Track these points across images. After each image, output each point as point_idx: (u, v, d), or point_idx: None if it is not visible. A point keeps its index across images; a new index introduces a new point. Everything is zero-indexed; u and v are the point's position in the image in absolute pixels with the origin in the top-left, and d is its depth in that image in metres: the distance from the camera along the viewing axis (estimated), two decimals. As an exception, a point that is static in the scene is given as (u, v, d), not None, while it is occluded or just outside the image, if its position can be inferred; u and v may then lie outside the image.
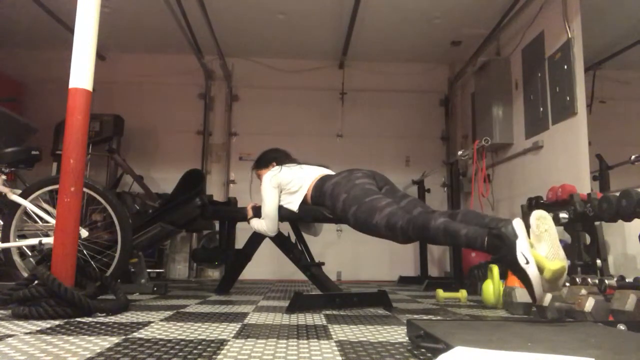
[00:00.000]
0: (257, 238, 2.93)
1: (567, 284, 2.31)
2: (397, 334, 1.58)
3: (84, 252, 2.51)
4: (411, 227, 1.94)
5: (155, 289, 3.06)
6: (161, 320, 1.82)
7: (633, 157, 3.24)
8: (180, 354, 1.21)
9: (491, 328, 1.39)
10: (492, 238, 1.67)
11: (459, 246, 1.77)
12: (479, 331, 1.32)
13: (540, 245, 1.63)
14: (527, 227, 1.66)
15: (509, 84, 4.45)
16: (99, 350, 1.23)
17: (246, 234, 3.00)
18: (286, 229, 2.80)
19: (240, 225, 3.45)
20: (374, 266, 5.38)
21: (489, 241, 1.68)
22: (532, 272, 1.57)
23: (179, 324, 1.74)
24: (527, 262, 1.58)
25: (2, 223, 2.55)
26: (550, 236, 1.64)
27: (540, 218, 1.67)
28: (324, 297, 2.53)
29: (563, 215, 2.84)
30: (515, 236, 1.61)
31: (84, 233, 2.33)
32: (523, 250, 1.59)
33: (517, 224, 1.65)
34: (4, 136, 3.38)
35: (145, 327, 1.63)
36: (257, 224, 2.66)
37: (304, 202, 2.53)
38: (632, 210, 2.26)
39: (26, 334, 1.49)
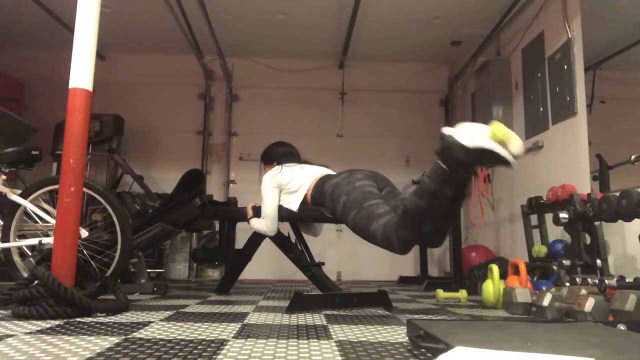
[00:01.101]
0: (257, 238, 2.93)
1: (567, 284, 2.31)
2: (397, 334, 1.58)
3: (84, 252, 2.51)
4: (400, 226, 1.89)
5: (155, 289, 3.06)
6: (161, 320, 1.82)
7: (633, 157, 3.24)
8: (180, 354, 1.21)
9: (491, 328, 1.39)
10: (442, 154, 1.70)
11: (435, 193, 1.66)
12: (479, 331, 1.32)
13: (476, 130, 1.64)
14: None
15: (509, 84, 4.45)
16: (99, 350, 1.23)
17: (246, 234, 3.00)
18: (286, 229, 2.80)
19: (240, 225, 3.45)
20: (374, 266, 5.38)
21: (440, 158, 1.71)
22: (482, 141, 1.57)
23: (179, 324, 1.74)
24: (473, 140, 1.58)
25: (2, 223, 2.55)
26: (478, 125, 1.64)
27: (463, 124, 1.67)
28: (324, 297, 2.53)
29: (563, 215, 2.85)
30: (451, 135, 1.64)
31: (84, 233, 2.33)
32: (461, 135, 1.62)
33: (446, 130, 1.67)
34: (4, 136, 3.38)
35: (145, 327, 1.63)
36: (257, 224, 2.66)
37: (303, 202, 2.53)
38: (632, 210, 2.26)
39: (26, 334, 1.49)
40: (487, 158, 1.60)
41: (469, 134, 1.61)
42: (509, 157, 1.58)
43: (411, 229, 1.87)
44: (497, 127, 1.58)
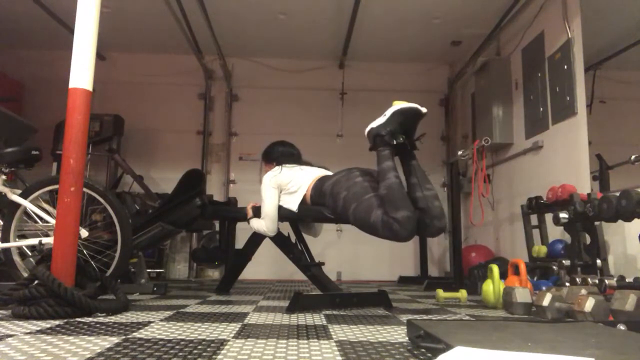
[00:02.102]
0: (257, 238, 2.93)
1: (567, 284, 2.31)
2: (397, 334, 1.58)
3: (84, 252, 2.51)
4: (393, 210, 2.01)
5: (155, 289, 3.06)
6: (161, 320, 1.82)
7: (633, 157, 3.24)
8: (180, 354, 1.21)
9: (491, 328, 1.39)
10: (372, 144, 2.25)
11: (390, 167, 2.14)
12: (479, 331, 1.32)
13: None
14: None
15: (509, 84, 4.45)
16: (99, 350, 1.23)
17: (246, 234, 3.00)
18: (286, 229, 2.80)
19: (240, 225, 3.45)
20: (374, 266, 5.38)
21: (375, 146, 2.23)
22: (391, 109, 2.24)
23: (179, 324, 1.74)
24: (385, 114, 2.26)
25: (2, 223, 2.55)
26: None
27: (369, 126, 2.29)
28: (324, 297, 2.53)
29: (563, 215, 2.85)
30: (372, 124, 2.29)
31: (84, 233, 2.33)
32: (371, 123, 2.27)
33: (365, 130, 2.30)
34: (4, 136, 3.38)
35: (145, 327, 1.63)
36: (257, 224, 2.66)
37: (303, 202, 2.53)
38: (632, 210, 2.26)
39: (26, 334, 1.49)
40: (401, 116, 2.17)
41: (380, 118, 2.24)
42: (411, 104, 2.15)
43: (402, 204, 2.02)
44: (396, 101, 2.20)
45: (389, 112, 2.21)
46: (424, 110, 2.18)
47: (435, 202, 2.12)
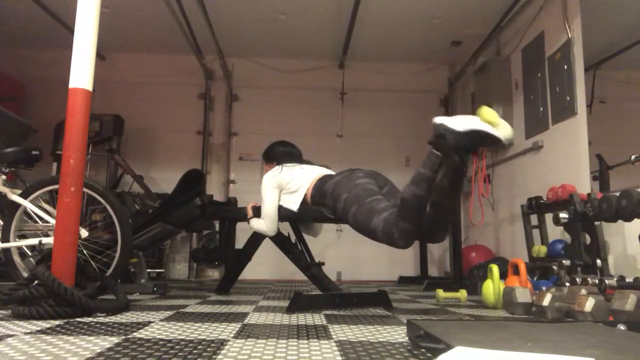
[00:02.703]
0: (257, 238, 2.93)
1: (567, 284, 2.31)
2: (397, 334, 1.58)
3: (84, 252, 2.51)
4: (400, 218, 1.91)
5: (155, 289, 3.06)
6: (161, 320, 1.82)
7: (633, 157, 3.24)
8: (180, 354, 1.21)
9: (491, 328, 1.39)
10: (434, 141, 1.78)
11: (430, 180, 1.79)
12: (479, 331, 1.32)
13: (464, 116, 1.76)
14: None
15: (509, 84, 4.45)
16: (99, 350, 1.23)
17: (246, 234, 3.00)
18: (286, 229, 2.80)
19: (240, 225, 3.45)
20: (374, 266, 5.37)
21: (435, 146, 1.79)
22: (472, 123, 1.69)
23: (179, 324, 1.74)
24: (463, 124, 1.71)
25: (2, 223, 2.55)
26: (465, 116, 1.76)
27: (459, 117, 1.77)
28: (324, 297, 2.53)
29: (563, 215, 2.85)
30: (442, 123, 1.74)
31: (84, 233, 2.32)
32: (454, 122, 1.72)
33: (437, 119, 1.78)
34: (3, 136, 3.38)
35: (145, 327, 1.63)
36: (257, 224, 2.66)
37: (304, 202, 2.53)
38: (632, 210, 2.26)
39: (26, 334, 1.49)
40: (478, 139, 1.70)
41: (459, 120, 1.72)
42: (499, 135, 1.68)
43: (411, 219, 1.89)
44: (486, 112, 1.69)
45: (476, 121, 1.71)
46: (505, 142, 1.74)
47: (449, 217, 2.12)
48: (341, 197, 2.24)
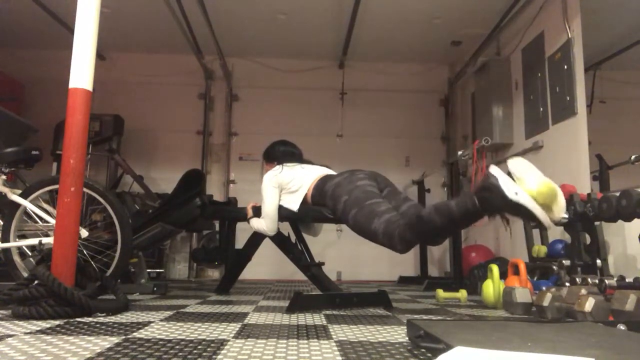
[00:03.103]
0: (257, 238, 2.93)
1: (567, 284, 2.31)
2: (397, 334, 1.58)
3: (84, 252, 2.51)
4: (408, 229, 1.91)
5: (155, 289, 3.06)
6: (161, 320, 1.82)
7: (633, 157, 3.24)
8: (180, 354, 1.21)
9: (491, 328, 1.39)
10: (479, 192, 1.68)
11: (455, 219, 1.71)
12: (479, 331, 1.32)
13: (526, 183, 1.63)
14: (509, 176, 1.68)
15: (509, 84, 4.45)
16: (99, 350, 1.23)
17: (246, 234, 3.00)
18: (286, 229, 2.80)
19: (240, 225, 3.45)
20: (374, 266, 5.37)
21: (478, 196, 1.69)
22: (525, 199, 1.57)
23: (179, 324, 1.74)
24: (517, 193, 1.58)
25: (2, 223, 2.55)
26: (532, 173, 1.65)
27: (518, 163, 1.69)
28: (324, 297, 2.53)
29: (563, 215, 2.84)
30: (497, 178, 1.63)
31: (84, 233, 2.32)
32: (508, 186, 1.60)
33: (494, 169, 1.67)
34: (3, 136, 3.38)
35: (145, 327, 1.63)
36: (257, 224, 2.66)
37: (304, 202, 2.53)
38: (632, 210, 2.26)
39: (26, 334, 1.49)
40: (523, 214, 1.59)
41: (515, 186, 1.59)
42: (547, 222, 1.57)
43: (417, 235, 1.91)
44: (546, 188, 1.58)
45: (523, 198, 1.58)
46: (548, 227, 1.68)
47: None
48: (341, 199, 2.24)
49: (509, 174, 1.67)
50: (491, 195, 1.62)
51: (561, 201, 1.61)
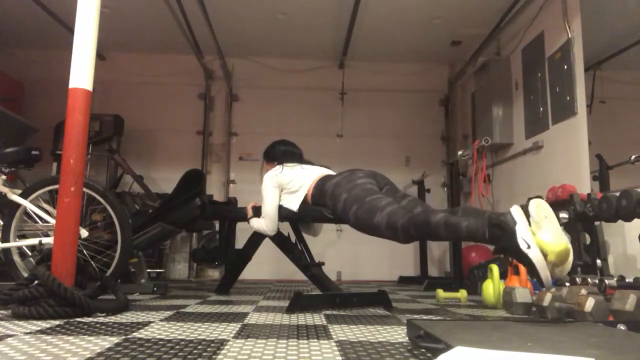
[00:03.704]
0: (257, 238, 2.93)
1: (567, 284, 2.31)
2: (397, 334, 1.58)
3: (84, 252, 2.51)
4: (412, 225, 1.93)
5: (155, 289, 3.06)
6: (161, 320, 1.82)
7: (633, 157, 3.24)
8: (180, 354, 1.21)
9: (491, 328, 1.39)
10: (492, 227, 1.68)
11: (460, 239, 1.76)
12: (479, 331, 1.32)
13: (542, 232, 1.61)
14: (527, 215, 1.65)
15: (509, 84, 4.45)
16: (99, 350, 1.23)
17: (246, 234, 3.00)
18: (286, 229, 2.80)
19: (240, 225, 3.45)
20: (374, 266, 5.37)
21: (490, 231, 1.69)
22: (534, 255, 1.56)
23: (179, 324, 1.74)
24: (529, 247, 1.57)
25: (2, 223, 2.55)
26: (550, 222, 1.62)
27: (539, 205, 1.66)
28: (324, 297, 2.53)
29: (563, 215, 2.84)
30: (515, 223, 1.61)
31: (84, 233, 2.33)
32: (524, 235, 1.59)
33: (516, 211, 1.65)
34: (4, 136, 3.38)
35: (145, 327, 1.63)
36: (257, 224, 2.66)
37: (304, 202, 2.53)
38: (632, 210, 2.26)
39: (26, 334, 1.49)
40: (527, 265, 1.60)
41: (530, 236, 1.58)
42: (547, 283, 1.56)
43: (420, 235, 1.96)
44: (561, 248, 1.55)
45: (534, 254, 1.56)
46: (546, 285, 1.60)
47: None
48: (341, 198, 2.25)
49: (528, 215, 1.65)
50: (503, 237, 1.63)
51: (570, 262, 1.60)
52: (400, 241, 2.02)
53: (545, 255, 1.56)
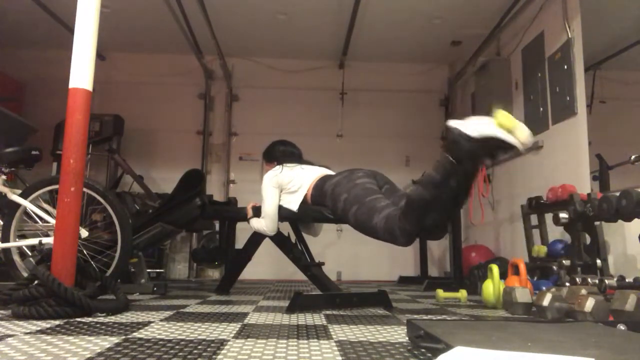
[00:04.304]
0: (257, 238, 2.93)
1: (567, 284, 2.31)
2: (397, 334, 1.58)
3: (84, 252, 2.51)
4: (403, 217, 1.88)
5: (155, 289, 3.06)
6: (161, 320, 1.82)
7: (633, 157, 3.24)
8: (180, 354, 1.21)
9: (491, 328, 1.39)
10: (448, 146, 1.69)
11: (440, 185, 1.61)
12: (479, 331, 1.32)
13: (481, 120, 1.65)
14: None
15: (509, 84, 4.45)
16: (99, 350, 1.23)
17: (246, 234, 3.00)
18: (286, 229, 2.80)
19: (240, 225, 3.45)
20: (374, 266, 5.38)
21: (448, 150, 1.69)
22: (487, 129, 1.58)
23: (179, 324, 1.74)
24: (478, 130, 1.59)
25: (2, 223, 2.55)
26: (480, 118, 1.66)
27: (462, 121, 1.68)
28: (324, 297, 2.53)
29: (563, 215, 2.85)
30: (457, 128, 1.63)
31: (84, 233, 2.33)
32: (468, 127, 1.62)
33: (452, 122, 1.67)
34: (4, 136, 3.38)
35: (145, 327, 1.63)
36: (257, 224, 2.66)
37: (303, 202, 2.53)
38: (632, 210, 2.26)
39: (26, 334, 1.49)
40: (494, 147, 1.60)
41: (475, 125, 1.60)
42: (517, 143, 1.57)
43: (413, 220, 1.86)
44: (503, 116, 1.58)
45: (486, 130, 1.60)
46: (522, 150, 1.67)
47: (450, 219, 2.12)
48: (341, 197, 2.24)
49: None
50: (458, 142, 1.62)
51: (522, 125, 1.59)
52: (401, 242, 1.95)
53: (498, 125, 1.57)
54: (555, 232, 3.32)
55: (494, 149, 1.61)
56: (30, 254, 2.58)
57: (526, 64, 4.17)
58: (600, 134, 3.69)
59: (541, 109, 3.84)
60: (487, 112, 1.69)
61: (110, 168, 5.04)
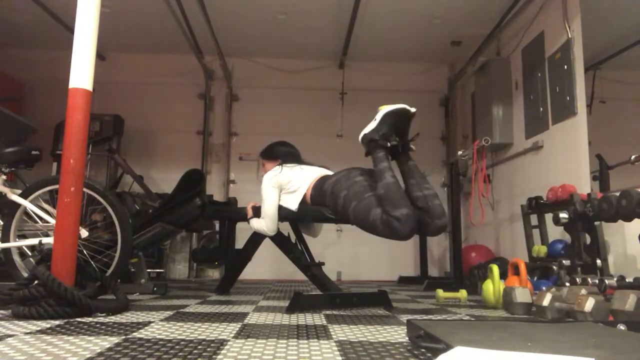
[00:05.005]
0: (257, 238, 2.93)
1: (567, 284, 2.31)
2: (397, 334, 1.58)
3: (84, 252, 2.51)
4: (393, 208, 2.00)
5: (155, 289, 3.06)
6: (161, 320, 1.82)
7: (633, 157, 3.25)
8: (180, 354, 1.21)
9: (491, 328, 1.39)
10: (367, 150, 2.28)
11: (386, 168, 2.16)
12: (479, 331, 1.32)
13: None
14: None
15: (509, 84, 4.45)
16: (99, 350, 1.23)
17: (246, 234, 3.00)
18: (286, 229, 2.80)
19: (240, 225, 3.45)
20: (374, 266, 5.37)
21: (370, 152, 2.25)
22: (380, 114, 2.32)
23: (179, 324, 1.74)
24: (375, 120, 2.32)
25: (2, 223, 2.55)
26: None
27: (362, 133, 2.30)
28: (324, 297, 2.53)
29: (563, 215, 2.85)
30: (359, 138, 2.30)
31: (84, 233, 2.33)
32: (364, 130, 2.31)
33: (359, 137, 2.30)
34: (3, 136, 3.38)
35: (145, 327, 1.63)
36: (257, 224, 2.66)
37: (303, 202, 2.53)
38: (632, 210, 2.26)
39: (26, 334, 1.49)
40: (389, 119, 2.28)
41: (370, 124, 2.29)
42: (398, 105, 2.27)
43: (402, 202, 2.02)
44: (382, 105, 2.25)
45: (378, 117, 2.27)
46: (412, 110, 2.31)
47: (435, 201, 2.12)
48: (340, 195, 2.25)
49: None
50: (372, 139, 2.24)
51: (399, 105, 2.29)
52: (401, 233, 1.95)
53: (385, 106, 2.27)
54: (555, 232, 3.32)
55: (393, 119, 2.30)
56: (30, 254, 2.58)
57: (526, 64, 4.17)
58: (600, 134, 3.69)
59: (541, 109, 3.84)
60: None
61: (110, 168, 5.05)
